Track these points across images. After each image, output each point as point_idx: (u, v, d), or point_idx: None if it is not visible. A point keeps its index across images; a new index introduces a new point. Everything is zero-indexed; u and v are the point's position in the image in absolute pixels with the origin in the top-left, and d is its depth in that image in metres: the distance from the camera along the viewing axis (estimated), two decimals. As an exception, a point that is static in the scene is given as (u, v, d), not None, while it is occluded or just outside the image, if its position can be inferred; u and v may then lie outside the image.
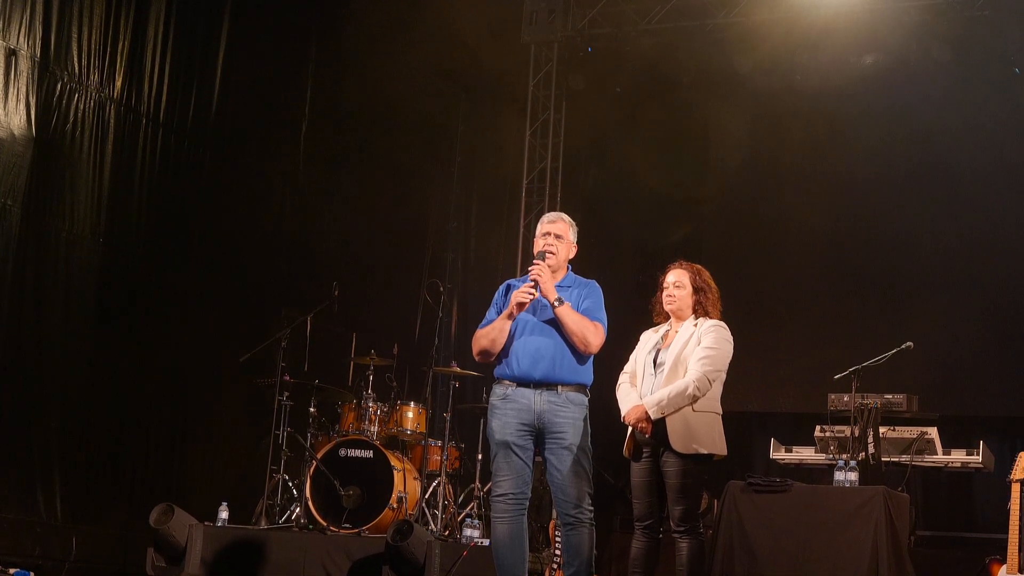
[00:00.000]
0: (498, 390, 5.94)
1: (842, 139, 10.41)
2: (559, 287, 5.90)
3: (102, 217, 8.89)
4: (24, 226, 8.32)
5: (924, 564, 7.38)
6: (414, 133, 11.66)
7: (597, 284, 6.02)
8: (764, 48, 10.68)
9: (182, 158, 9.57)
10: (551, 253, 5.93)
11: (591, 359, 5.94)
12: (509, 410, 5.85)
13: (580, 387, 5.87)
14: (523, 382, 5.84)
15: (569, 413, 5.80)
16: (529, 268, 5.89)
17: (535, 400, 5.81)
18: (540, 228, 6.06)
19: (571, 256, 6.06)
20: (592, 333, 5.82)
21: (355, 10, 10.90)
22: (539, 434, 5.83)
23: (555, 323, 5.84)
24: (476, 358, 6.07)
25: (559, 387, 5.82)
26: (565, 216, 6.12)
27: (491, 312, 6.02)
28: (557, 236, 5.98)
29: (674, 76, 11.11)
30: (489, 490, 9.13)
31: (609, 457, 7.91)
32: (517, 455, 5.82)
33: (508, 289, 6.01)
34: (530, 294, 5.80)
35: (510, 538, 5.82)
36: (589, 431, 5.89)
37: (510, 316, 5.86)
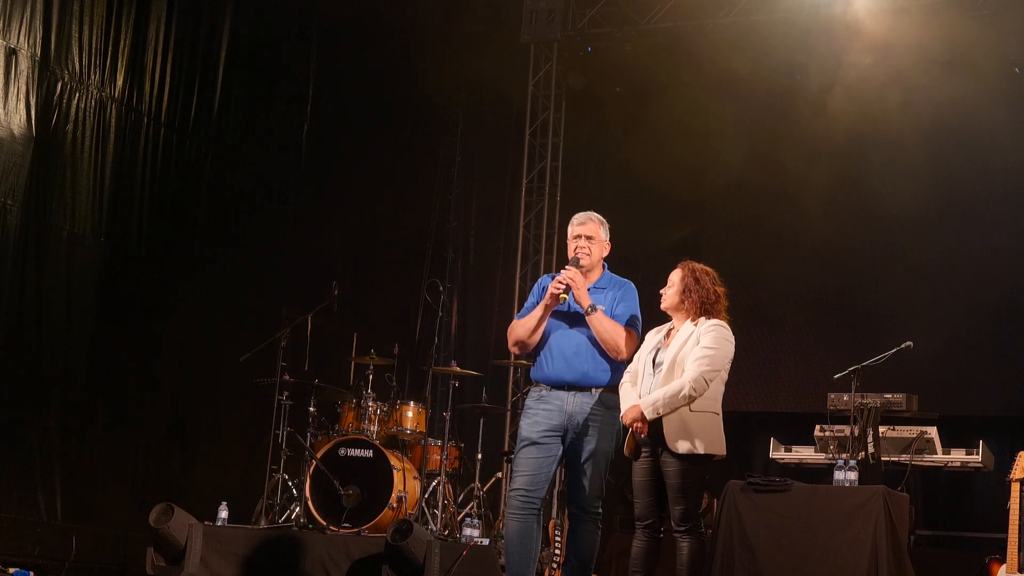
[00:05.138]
0: (534, 392, 6.02)
1: (841, 139, 10.40)
2: (593, 288, 5.96)
3: (103, 217, 8.89)
4: (24, 226, 8.33)
5: (924, 564, 7.37)
6: (414, 133, 11.67)
7: (633, 285, 6.07)
8: (764, 48, 10.68)
9: (184, 157, 9.58)
10: (586, 255, 5.98)
11: (625, 361, 5.98)
12: (541, 410, 5.91)
13: (613, 388, 5.94)
14: (557, 385, 5.90)
15: (599, 415, 5.87)
16: (562, 271, 5.92)
17: (568, 401, 5.88)
18: (571, 231, 6.10)
19: (605, 254, 6.09)
20: (624, 341, 5.89)
21: (355, 10, 10.90)
22: (566, 433, 5.88)
23: (588, 325, 5.89)
24: (512, 349, 6.13)
25: (592, 389, 5.89)
26: (595, 215, 6.14)
27: (529, 302, 6.08)
28: (588, 237, 6.03)
29: (674, 76, 11.10)
30: (488, 489, 9.21)
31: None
32: (538, 454, 5.87)
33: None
34: (559, 287, 5.83)
35: (518, 536, 5.85)
36: (616, 435, 5.93)
37: (546, 308, 5.90)
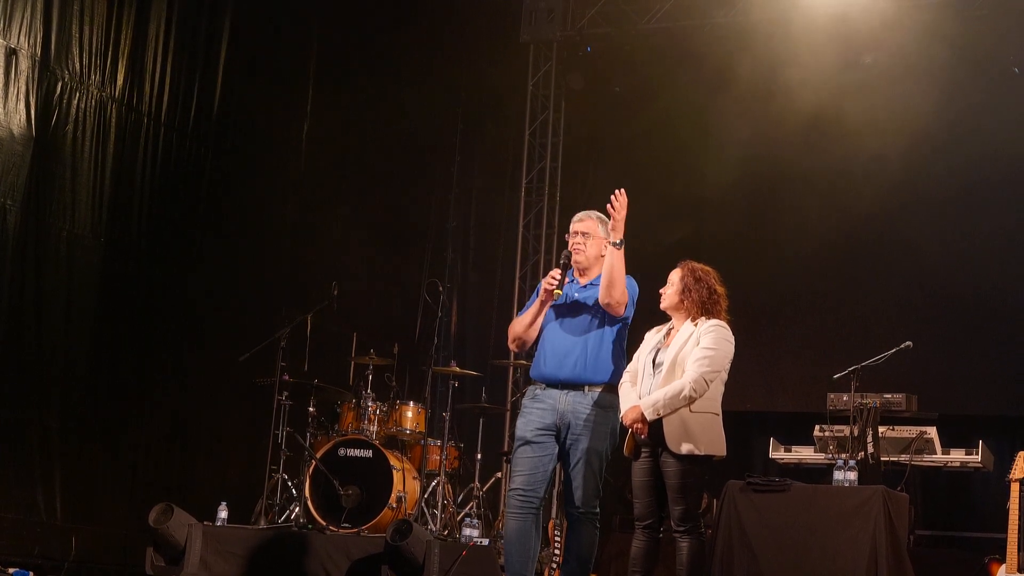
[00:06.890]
0: (530, 391, 6.05)
1: (841, 139, 10.39)
2: (592, 284, 6.00)
3: (103, 217, 8.89)
4: (24, 226, 8.32)
5: (923, 564, 7.38)
6: (414, 133, 11.67)
7: (633, 280, 6.09)
8: (764, 48, 10.68)
9: (184, 158, 9.57)
10: (580, 250, 6.02)
11: (622, 360, 6.00)
12: (535, 409, 5.94)
13: (610, 387, 5.94)
14: (551, 383, 5.93)
15: (591, 414, 5.87)
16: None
17: (560, 400, 5.90)
18: (571, 228, 6.15)
19: (603, 253, 6.09)
20: (620, 292, 5.84)
21: (355, 10, 10.90)
22: (560, 432, 5.90)
23: (583, 323, 5.94)
24: (511, 346, 6.19)
25: (586, 387, 5.90)
26: (593, 213, 6.19)
27: (529, 302, 6.15)
28: (584, 234, 6.09)
29: (674, 76, 11.10)
30: (488, 489, 9.21)
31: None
32: (533, 453, 5.89)
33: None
34: (552, 283, 5.89)
35: (517, 535, 5.87)
36: (611, 434, 5.93)
37: (541, 304, 5.97)
